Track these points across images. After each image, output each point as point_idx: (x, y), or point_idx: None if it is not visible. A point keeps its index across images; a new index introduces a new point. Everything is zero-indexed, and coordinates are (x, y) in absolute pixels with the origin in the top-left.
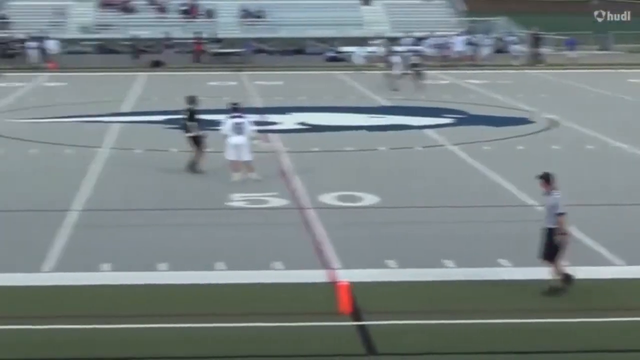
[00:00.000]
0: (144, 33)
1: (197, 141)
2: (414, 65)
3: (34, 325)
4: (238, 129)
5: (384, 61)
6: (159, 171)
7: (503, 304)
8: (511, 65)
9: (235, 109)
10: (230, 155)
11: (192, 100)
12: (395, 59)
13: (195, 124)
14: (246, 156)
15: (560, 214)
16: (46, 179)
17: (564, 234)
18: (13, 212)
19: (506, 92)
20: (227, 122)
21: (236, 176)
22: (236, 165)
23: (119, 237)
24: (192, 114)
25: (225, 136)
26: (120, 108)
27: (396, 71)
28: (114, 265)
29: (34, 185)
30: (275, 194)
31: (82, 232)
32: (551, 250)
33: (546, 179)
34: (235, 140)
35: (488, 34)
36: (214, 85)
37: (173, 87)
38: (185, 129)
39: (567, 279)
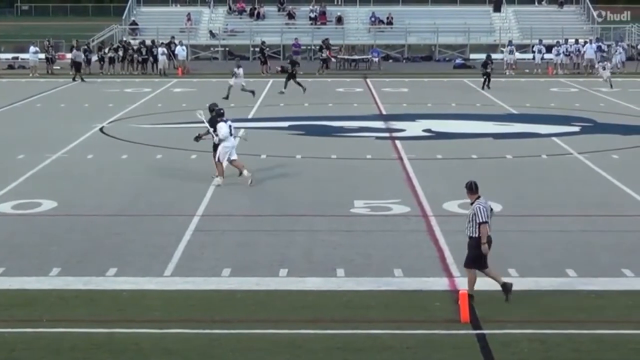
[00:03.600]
0: (272, 39)
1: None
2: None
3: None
4: (231, 132)
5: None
6: (282, 177)
7: (623, 314)
8: (637, 73)
9: (223, 113)
10: (223, 158)
11: (211, 109)
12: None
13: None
14: (235, 155)
15: (481, 223)
16: (172, 183)
17: (484, 243)
18: (140, 216)
19: (636, 100)
20: (225, 125)
21: (220, 180)
22: (222, 168)
23: (240, 242)
24: (211, 122)
25: (224, 139)
26: (247, 114)
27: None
28: (234, 270)
29: (160, 190)
30: (398, 200)
31: (203, 237)
32: (475, 259)
33: (470, 187)
34: (229, 142)
35: (620, 41)
36: (341, 92)
37: (299, 93)
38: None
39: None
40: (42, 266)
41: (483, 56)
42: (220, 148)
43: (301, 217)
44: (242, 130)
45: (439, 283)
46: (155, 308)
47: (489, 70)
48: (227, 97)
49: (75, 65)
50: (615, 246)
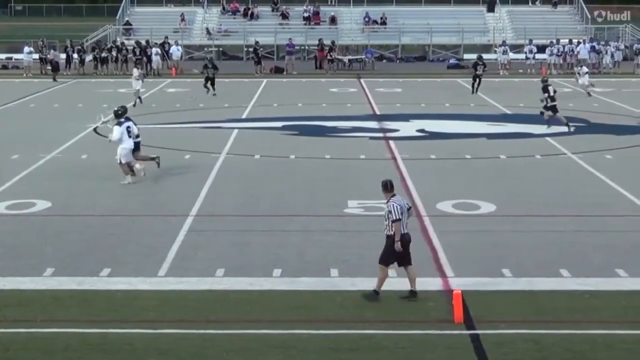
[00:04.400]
0: (266, 39)
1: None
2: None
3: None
4: (129, 133)
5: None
6: (276, 177)
7: (617, 315)
8: (634, 74)
9: (122, 114)
10: (129, 158)
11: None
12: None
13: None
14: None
15: (395, 221)
16: (166, 184)
17: (397, 241)
18: (134, 216)
19: (630, 100)
20: (119, 128)
21: (130, 178)
22: (127, 168)
23: (233, 242)
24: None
25: (118, 141)
26: (240, 114)
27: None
28: (227, 270)
29: (154, 190)
30: None
31: (197, 237)
32: (390, 256)
33: (385, 186)
34: (127, 144)
35: (614, 41)
36: (335, 92)
37: (293, 93)
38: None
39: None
40: (36, 266)
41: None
42: (119, 150)
43: (295, 217)
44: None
45: (433, 283)
46: (149, 308)
47: (479, 72)
48: (135, 105)
49: (53, 65)
50: (609, 246)
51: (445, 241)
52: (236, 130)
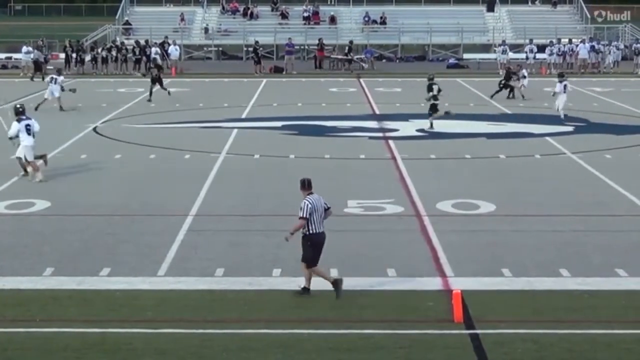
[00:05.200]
0: (266, 39)
1: None
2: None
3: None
4: (28, 131)
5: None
6: (275, 177)
7: (617, 314)
8: (633, 73)
9: (22, 111)
10: (29, 156)
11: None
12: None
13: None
14: (32, 156)
15: (300, 218)
16: (165, 183)
17: (291, 233)
18: (134, 216)
19: (630, 100)
20: (17, 125)
21: (39, 175)
22: (35, 165)
23: (233, 242)
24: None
25: (13, 137)
26: (240, 114)
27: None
28: (227, 270)
29: (153, 190)
30: (391, 200)
31: (196, 237)
32: (309, 254)
33: (303, 184)
34: (28, 141)
35: (614, 41)
36: (334, 92)
37: (293, 93)
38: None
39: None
40: (36, 266)
41: (476, 56)
42: (20, 147)
43: (294, 217)
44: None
45: (432, 283)
46: (148, 308)
47: (511, 82)
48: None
49: (36, 65)
50: (609, 246)
51: (444, 241)
52: (236, 130)
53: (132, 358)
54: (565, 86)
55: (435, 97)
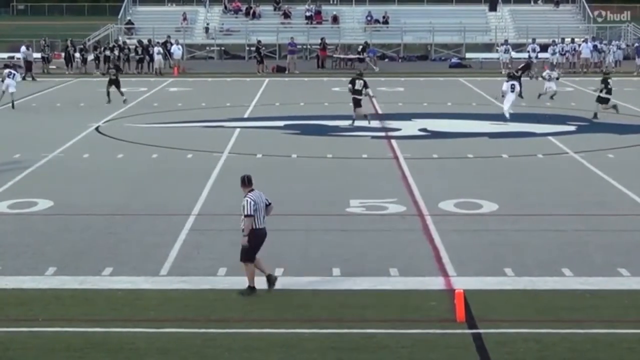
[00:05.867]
0: (268, 38)
1: None
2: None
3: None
4: None
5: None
6: (277, 176)
7: (619, 314)
8: (633, 73)
9: None
10: None
11: None
12: None
13: None
14: None
15: (246, 216)
16: (167, 183)
17: (245, 235)
18: (136, 215)
19: (632, 99)
20: None
21: None
22: None
23: (235, 241)
24: None
25: None
26: (242, 113)
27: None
28: (229, 270)
29: (156, 189)
30: (394, 200)
31: (199, 236)
32: (247, 252)
33: (243, 181)
34: None
35: (616, 41)
36: (337, 91)
37: (295, 92)
38: None
39: (269, 279)
40: (38, 265)
41: (479, 55)
42: None
43: (297, 217)
44: None
45: (435, 282)
46: (150, 307)
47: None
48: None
49: (27, 64)
50: (611, 245)
51: (447, 240)
52: (238, 130)
53: (134, 357)
54: (512, 86)
55: (358, 92)
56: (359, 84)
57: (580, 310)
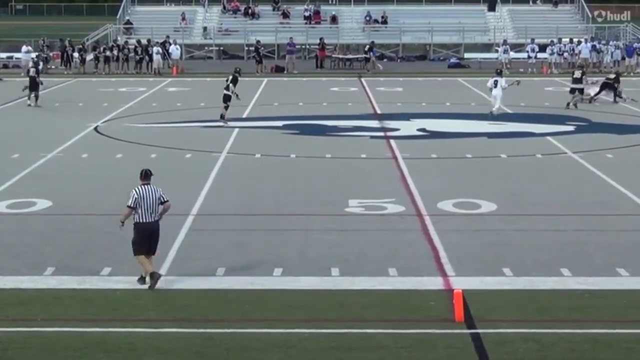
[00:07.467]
0: (267, 38)
1: None
2: None
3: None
4: None
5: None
6: (276, 176)
7: (618, 314)
8: (631, 72)
9: None
10: None
11: None
12: None
13: None
14: None
15: (127, 206)
16: (166, 183)
17: (122, 222)
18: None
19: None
20: None
21: None
22: None
23: (234, 241)
24: None
25: None
26: (241, 113)
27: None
28: (228, 270)
29: None
30: (393, 200)
31: (198, 236)
32: (137, 245)
33: (141, 174)
34: None
35: (614, 40)
36: (336, 91)
37: (294, 92)
38: None
39: (152, 276)
40: (37, 265)
41: (477, 55)
42: None
43: (295, 217)
44: None
45: (434, 282)
46: (149, 307)
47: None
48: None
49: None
50: (610, 245)
51: (446, 240)
52: (237, 130)
53: (133, 357)
54: (496, 82)
55: (227, 87)
56: (229, 79)
57: (580, 310)
